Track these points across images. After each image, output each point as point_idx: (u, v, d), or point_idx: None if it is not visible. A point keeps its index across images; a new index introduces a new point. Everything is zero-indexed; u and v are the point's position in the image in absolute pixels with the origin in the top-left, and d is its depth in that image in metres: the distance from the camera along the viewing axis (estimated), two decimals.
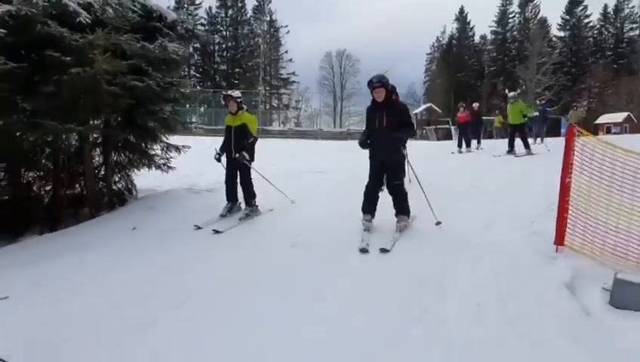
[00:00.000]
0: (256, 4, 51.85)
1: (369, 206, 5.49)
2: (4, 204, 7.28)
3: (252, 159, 6.59)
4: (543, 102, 26.91)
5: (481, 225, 5.53)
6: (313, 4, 66.12)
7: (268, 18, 50.99)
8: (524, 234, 5.10)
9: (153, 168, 8.17)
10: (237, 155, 6.43)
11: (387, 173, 5.46)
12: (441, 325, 3.34)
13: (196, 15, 48.23)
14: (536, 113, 17.31)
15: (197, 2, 51.18)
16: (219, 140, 6.89)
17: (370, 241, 5.03)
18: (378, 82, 5.22)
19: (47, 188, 7.78)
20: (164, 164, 8.22)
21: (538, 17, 51.23)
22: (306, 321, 3.50)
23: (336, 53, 53.16)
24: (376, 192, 5.52)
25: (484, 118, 19.07)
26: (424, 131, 33.05)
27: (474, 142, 15.31)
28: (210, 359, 3.11)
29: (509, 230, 5.26)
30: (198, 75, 50.90)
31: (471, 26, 55.12)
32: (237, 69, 51.17)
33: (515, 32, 52.90)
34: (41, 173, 7.71)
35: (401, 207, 5.45)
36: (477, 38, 55.48)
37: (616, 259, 4.13)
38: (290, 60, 52.33)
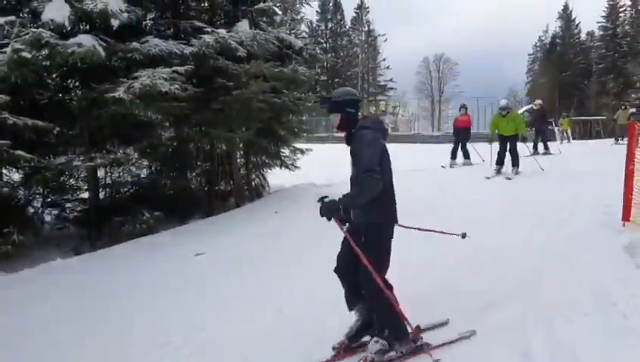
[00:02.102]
0: (355, 15, 53.85)
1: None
2: (172, 196, 9.50)
3: None
4: None
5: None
6: (410, 10, 66.83)
7: (366, 28, 52.74)
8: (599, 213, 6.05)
9: (283, 168, 10.05)
10: None
11: None
12: None
13: (298, 30, 51.25)
14: (634, 109, 16.96)
15: (298, 17, 54.23)
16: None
17: None
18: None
19: (203, 184, 9.95)
20: (291, 164, 10.07)
21: None
22: None
23: (434, 58, 53.62)
24: None
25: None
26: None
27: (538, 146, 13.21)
28: None
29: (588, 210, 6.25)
30: None
31: (576, 23, 52.37)
32: (336, 79, 53.41)
33: (627, 26, 49.27)
34: (198, 172, 9.91)
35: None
36: (583, 35, 52.53)
37: None
38: (388, 67, 53.53)
